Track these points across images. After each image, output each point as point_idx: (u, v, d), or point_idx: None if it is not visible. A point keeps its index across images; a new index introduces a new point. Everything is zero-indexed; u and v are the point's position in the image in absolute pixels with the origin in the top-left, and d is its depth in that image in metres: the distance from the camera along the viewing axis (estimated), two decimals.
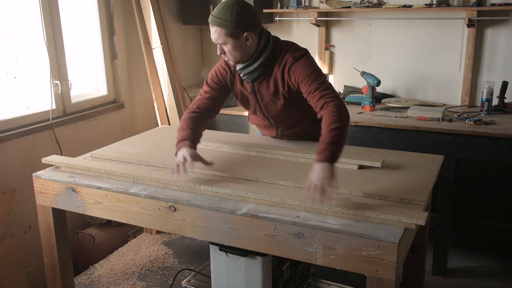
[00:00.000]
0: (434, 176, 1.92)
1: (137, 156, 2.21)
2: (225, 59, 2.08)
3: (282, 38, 2.16)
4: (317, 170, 1.65)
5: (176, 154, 1.92)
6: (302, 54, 2.07)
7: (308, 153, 2.11)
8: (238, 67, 2.10)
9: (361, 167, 2.01)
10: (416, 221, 1.50)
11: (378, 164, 1.99)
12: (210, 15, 1.97)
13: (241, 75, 2.12)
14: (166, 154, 2.22)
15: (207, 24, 2.04)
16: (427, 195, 1.73)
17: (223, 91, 2.23)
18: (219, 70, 2.21)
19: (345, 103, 1.91)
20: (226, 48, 2.00)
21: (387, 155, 2.14)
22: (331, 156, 1.69)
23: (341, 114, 1.85)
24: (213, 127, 3.48)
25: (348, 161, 2.03)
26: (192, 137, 1.99)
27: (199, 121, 2.11)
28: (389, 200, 1.71)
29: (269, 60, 2.08)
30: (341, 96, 3.51)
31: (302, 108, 2.14)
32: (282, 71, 2.07)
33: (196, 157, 1.90)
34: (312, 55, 2.12)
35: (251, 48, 2.02)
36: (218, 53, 2.03)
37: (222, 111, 3.40)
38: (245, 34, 1.97)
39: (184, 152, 1.88)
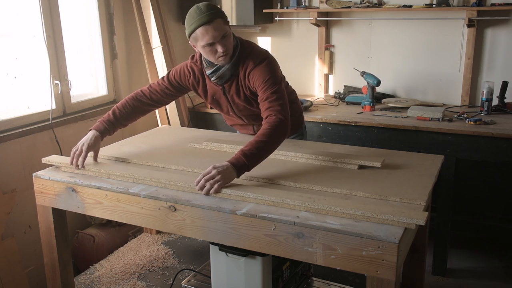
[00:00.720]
0: (434, 176, 1.92)
1: (137, 156, 2.21)
2: (222, 56, 2.02)
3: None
4: (221, 166, 1.77)
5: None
6: (262, 59, 2.06)
7: (308, 154, 2.11)
8: (209, 71, 2.12)
9: (361, 167, 2.01)
10: (416, 221, 1.50)
11: (378, 164, 1.99)
12: (200, 18, 1.93)
13: (212, 79, 2.14)
14: (165, 154, 2.22)
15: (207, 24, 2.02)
16: (427, 195, 1.73)
17: (179, 91, 2.30)
18: (183, 71, 2.23)
19: (287, 122, 1.98)
20: (227, 41, 1.99)
21: (387, 155, 2.14)
22: (240, 166, 1.79)
23: (276, 131, 1.89)
24: (213, 127, 3.48)
25: (348, 161, 2.03)
26: (113, 123, 2.18)
27: (137, 110, 2.26)
28: (389, 200, 1.71)
29: (238, 60, 2.09)
30: (341, 96, 3.51)
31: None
32: (244, 74, 2.09)
33: (94, 149, 2.11)
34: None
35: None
36: (221, 50, 1.98)
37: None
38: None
39: (86, 141, 2.09)
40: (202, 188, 1.77)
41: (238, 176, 1.80)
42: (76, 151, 2.07)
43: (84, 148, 2.06)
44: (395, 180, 1.87)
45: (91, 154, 2.13)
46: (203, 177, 1.78)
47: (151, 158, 2.19)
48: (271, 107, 1.97)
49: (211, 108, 2.37)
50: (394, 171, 1.97)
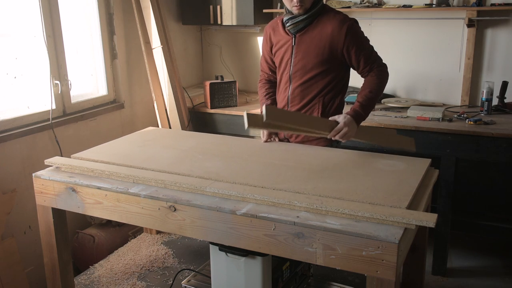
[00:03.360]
0: (418, 180, 1.88)
1: (134, 159, 2.21)
2: (296, 6, 2.16)
3: None
4: (345, 119, 2.08)
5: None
6: (357, 22, 2.25)
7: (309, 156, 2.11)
8: (286, 17, 2.25)
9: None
10: (426, 223, 1.49)
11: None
12: None
13: (287, 24, 2.25)
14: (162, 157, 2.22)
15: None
16: (408, 201, 1.68)
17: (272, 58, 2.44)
18: (264, 37, 2.42)
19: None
20: None
21: (373, 157, 2.14)
22: (358, 117, 2.13)
23: (380, 81, 2.23)
24: (213, 127, 3.48)
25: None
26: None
27: (271, 85, 2.50)
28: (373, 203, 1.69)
29: (318, 14, 2.22)
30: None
31: (322, 80, 2.27)
32: (334, 28, 2.19)
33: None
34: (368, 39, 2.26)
35: None
36: (296, 1, 2.13)
37: (221, 111, 3.42)
38: None
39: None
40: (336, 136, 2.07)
41: (358, 126, 2.13)
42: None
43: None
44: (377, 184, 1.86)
45: (92, 157, 2.10)
46: (336, 132, 2.06)
47: (147, 160, 2.18)
48: (372, 65, 2.24)
49: (274, 67, 2.48)
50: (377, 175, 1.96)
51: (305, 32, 2.22)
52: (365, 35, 2.30)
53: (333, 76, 2.27)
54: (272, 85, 2.49)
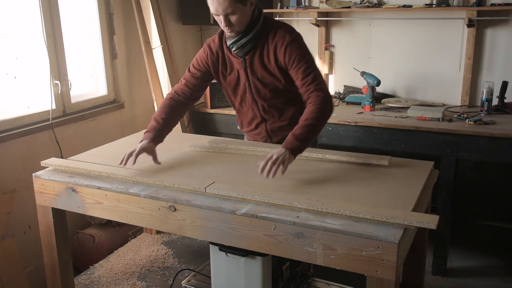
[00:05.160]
0: (422, 183, 1.87)
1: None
2: (228, 31, 2.05)
3: None
4: (280, 153, 1.82)
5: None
6: (299, 36, 2.10)
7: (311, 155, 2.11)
8: (229, 42, 2.11)
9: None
10: (427, 225, 1.49)
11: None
12: None
13: (233, 49, 2.12)
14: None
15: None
16: (413, 205, 1.68)
17: (205, 77, 2.27)
18: (200, 54, 2.24)
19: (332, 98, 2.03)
20: (233, 18, 1.99)
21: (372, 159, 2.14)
22: (295, 150, 1.86)
23: (322, 110, 1.97)
24: (213, 127, 3.48)
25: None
26: (159, 129, 2.13)
27: (175, 110, 2.21)
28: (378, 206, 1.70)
29: (261, 32, 2.09)
30: (341, 96, 3.51)
31: (288, 92, 2.18)
32: (276, 46, 2.08)
33: (148, 151, 2.05)
34: (311, 55, 2.13)
35: (250, 16, 2.05)
36: (224, 25, 2.00)
37: (221, 111, 3.42)
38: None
39: (140, 144, 2.04)
40: (268, 172, 1.77)
41: (294, 159, 1.86)
42: (127, 153, 2.01)
43: (137, 148, 2.01)
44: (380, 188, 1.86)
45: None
46: (267, 162, 1.79)
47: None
48: (311, 86, 2.03)
49: (228, 97, 2.33)
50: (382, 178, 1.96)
51: (253, 54, 2.12)
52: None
53: (290, 88, 2.16)
54: (175, 110, 2.22)
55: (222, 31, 2.16)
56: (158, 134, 2.12)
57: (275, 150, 1.84)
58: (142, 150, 2.02)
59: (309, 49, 2.12)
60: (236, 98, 2.31)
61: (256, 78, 2.17)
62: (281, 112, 2.27)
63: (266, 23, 2.11)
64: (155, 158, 2.06)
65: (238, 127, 2.50)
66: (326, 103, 1.99)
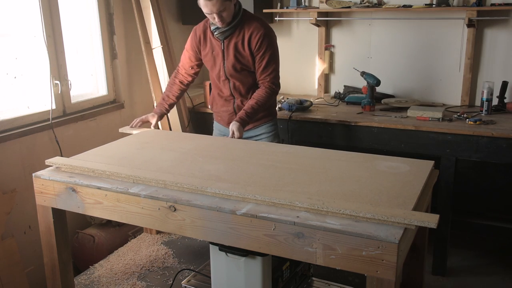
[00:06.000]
0: (422, 182, 1.87)
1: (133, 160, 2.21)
2: (220, 24, 2.46)
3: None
4: (237, 126, 2.45)
5: None
6: (272, 31, 2.56)
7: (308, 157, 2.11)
8: (213, 27, 2.54)
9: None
10: (428, 224, 1.49)
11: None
12: None
13: (215, 33, 2.55)
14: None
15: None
16: (413, 204, 1.67)
17: (196, 58, 2.74)
18: (191, 37, 2.70)
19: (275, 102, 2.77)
20: (224, 14, 2.41)
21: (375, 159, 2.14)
22: (244, 122, 2.50)
23: (268, 97, 2.56)
24: (212, 127, 3.48)
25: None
26: (162, 105, 2.80)
27: (177, 85, 2.82)
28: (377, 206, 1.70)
29: (240, 21, 2.52)
30: (341, 96, 3.51)
31: (251, 76, 2.62)
32: (251, 34, 2.50)
33: (148, 118, 2.74)
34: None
35: (233, 8, 2.47)
36: (217, 21, 2.42)
37: None
38: None
39: (146, 116, 2.76)
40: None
41: (244, 128, 2.48)
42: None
43: (142, 117, 2.73)
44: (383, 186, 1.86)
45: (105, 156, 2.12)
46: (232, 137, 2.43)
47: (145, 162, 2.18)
48: (268, 77, 2.56)
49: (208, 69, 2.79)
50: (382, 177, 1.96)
51: (231, 38, 2.54)
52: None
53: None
54: (181, 88, 2.83)
55: (207, 19, 2.58)
56: (162, 108, 2.79)
57: (233, 125, 2.45)
58: (146, 118, 2.74)
59: (277, 45, 2.59)
60: (214, 74, 2.70)
61: (230, 58, 2.57)
62: (247, 91, 2.66)
63: (245, 15, 2.55)
64: (155, 124, 2.75)
65: (209, 106, 2.94)
66: (273, 94, 2.59)
